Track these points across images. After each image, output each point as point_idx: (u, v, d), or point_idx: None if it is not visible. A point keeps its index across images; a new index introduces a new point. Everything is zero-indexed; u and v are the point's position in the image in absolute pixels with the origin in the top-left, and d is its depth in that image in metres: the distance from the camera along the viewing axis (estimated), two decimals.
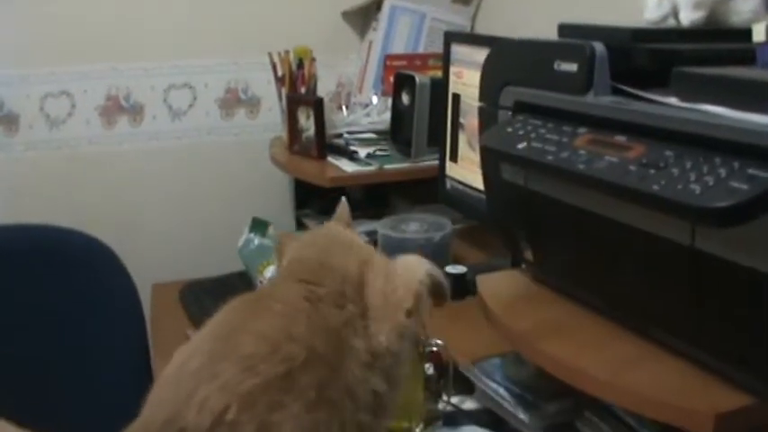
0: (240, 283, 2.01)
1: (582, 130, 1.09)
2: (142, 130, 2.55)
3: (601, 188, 0.99)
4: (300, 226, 2.41)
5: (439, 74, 2.09)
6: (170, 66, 2.55)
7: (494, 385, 1.41)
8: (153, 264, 2.38)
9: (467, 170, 1.96)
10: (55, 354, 1.86)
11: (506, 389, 1.38)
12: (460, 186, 1.99)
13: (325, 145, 2.23)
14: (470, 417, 1.58)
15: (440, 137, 2.07)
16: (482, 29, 2.46)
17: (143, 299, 1.98)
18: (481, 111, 1.34)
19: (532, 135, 1.15)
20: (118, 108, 2.53)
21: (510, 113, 1.24)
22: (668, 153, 0.93)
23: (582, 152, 1.03)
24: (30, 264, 1.89)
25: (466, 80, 1.95)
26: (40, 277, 1.89)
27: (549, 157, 1.07)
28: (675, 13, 1.29)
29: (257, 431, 0.93)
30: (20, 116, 2.43)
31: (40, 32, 2.39)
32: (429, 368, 1.62)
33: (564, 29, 1.27)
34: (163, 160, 2.56)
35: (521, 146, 1.13)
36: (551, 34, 1.27)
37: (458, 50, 1.99)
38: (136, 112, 2.55)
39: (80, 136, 2.49)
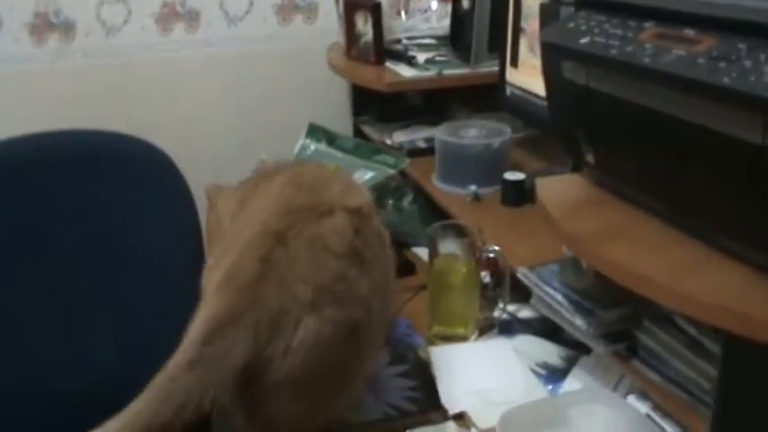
0: None
1: (648, 24, 1.04)
2: (198, 37, 2.52)
3: (667, 82, 0.94)
4: (358, 132, 2.38)
5: None
6: None
7: (551, 291, 1.37)
8: (208, 171, 2.37)
9: (528, 76, 1.90)
10: (107, 258, 1.86)
11: (564, 295, 1.35)
12: (521, 93, 1.94)
13: (383, 50, 2.18)
14: (526, 325, 1.56)
15: (500, 42, 2.01)
16: None
17: (198, 207, 1.97)
18: (543, 8, 1.29)
19: (596, 30, 1.10)
20: (174, 15, 2.50)
21: (573, 9, 1.19)
22: (741, 45, 0.88)
23: (648, 46, 0.98)
24: (86, 168, 1.88)
25: None
26: (96, 182, 1.88)
27: (613, 52, 1.02)
28: None
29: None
30: (76, 24, 2.42)
31: None
32: (485, 276, 1.60)
33: None
34: (219, 67, 2.54)
35: (583, 41, 1.08)
36: None
37: None
38: (192, 18, 2.51)
39: (136, 43, 2.47)
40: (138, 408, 1.08)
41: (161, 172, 1.90)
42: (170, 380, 1.07)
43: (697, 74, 0.88)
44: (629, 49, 1.00)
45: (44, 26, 2.34)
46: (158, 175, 1.89)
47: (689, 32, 0.97)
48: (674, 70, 0.91)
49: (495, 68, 2.05)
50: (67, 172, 1.88)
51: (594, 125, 1.21)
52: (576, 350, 1.47)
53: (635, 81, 1.03)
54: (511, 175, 1.82)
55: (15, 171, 1.85)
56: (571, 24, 1.14)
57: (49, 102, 2.29)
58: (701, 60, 0.90)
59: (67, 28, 2.40)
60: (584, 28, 1.11)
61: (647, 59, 0.96)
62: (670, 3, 1.02)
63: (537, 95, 1.84)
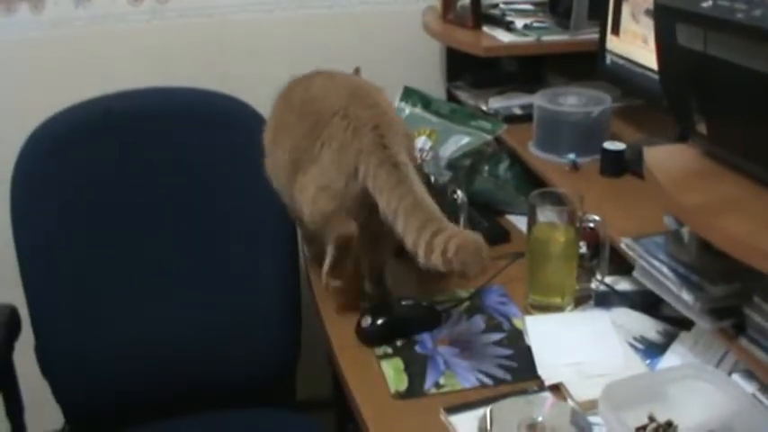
0: None
1: None
2: None
3: None
4: (451, 98, 2.35)
5: None
6: None
7: (657, 264, 1.34)
8: None
9: (629, 44, 1.85)
10: (196, 214, 1.88)
11: (670, 268, 1.31)
12: (621, 61, 1.89)
13: (480, 14, 2.15)
14: (623, 298, 1.53)
15: (601, 8, 1.96)
16: None
17: None
18: None
19: None
20: None
21: None
22: None
23: None
24: (178, 125, 1.91)
25: None
26: (189, 139, 1.90)
27: (739, 15, 0.98)
28: None
29: None
30: None
31: None
32: (582, 246, 1.57)
33: None
34: (313, 28, 2.52)
35: (705, 4, 1.04)
36: None
37: None
38: None
39: (231, 3, 2.46)
40: None
41: (252, 130, 1.90)
42: None
43: None
44: (757, 13, 0.96)
45: None
46: (250, 133, 1.89)
47: None
48: None
49: (595, 36, 2.00)
50: (161, 129, 1.90)
51: (710, 94, 1.17)
52: (675, 325, 1.43)
53: (761, 47, 0.99)
54: (610, 145, 1.78)
55: (111, 127, 1.87)
56: None
57: (145, 60, 2.30)
58: None
59: None
60: None
61: None
62: None
63: (638, 64, 1.79)
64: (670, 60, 1.25)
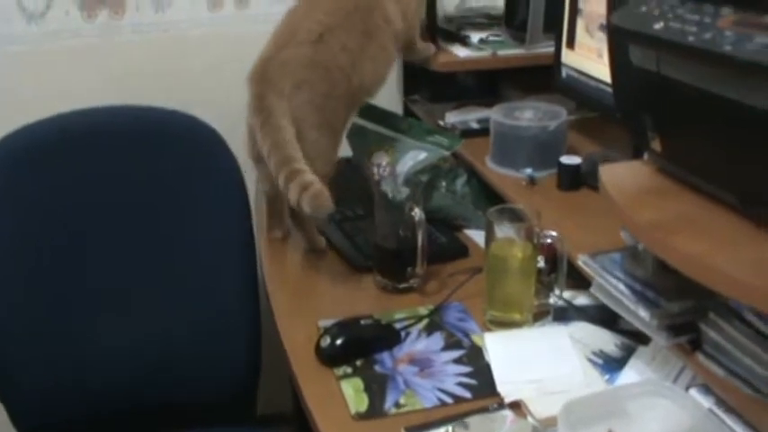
0: (347, 167, 1.98)
1: (726, 10, 1.01)
2: (248, 12, 2.49)
3: (751, 71, 0.91)
4: (408, 112, 2.35)
5: None
6: None
7: (613, 281, 1.34)
8: None
9: (584, 58, 1.87)
10: (155, 233, 1.87)
11: (627, 285, 1.32)
12: (576, 74, 1.90)
13: (436, 29, 2.15)
14: (582, 312, 1.54)
15: (556, 22, 1.98)
16: None
17: (246, 181, 1.96)
18: None
19: (669, 15, 1.06)
20: None
21: None
22: None
23: (728, 33, 0.95)
24: (135, 144, 1.90)
25: None
26: (145, 158, 1.89)
27: (691, 38, 0.99)
28: None
29: None
30: None
31: None
32: (540, 260, 1.58)
33: None
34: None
35: (657, 26, 1.05)
36: None
37: None
38: None
39: (186, 18, 2.45)
40: None
41: (210, 148, 1.90)
42: None
43: None
44: (707, 36, 0.97)
45: (94, 1, 2.32)
46: (207, 151, 1.90)
47: None
48: (759, 59, 0.88)
49: (551, 49, 2.01)
50: (117, 148, 1.88)
51: (663, 112, 1.18)
52: (633, 339, 1.44)
53: (713, 69, 1.00)
54: (567, 159, 1.79)
55: (66, 147, 1.86)
56: (643, 8, 1.11)
57: (99, 77, 2.28)
58: None
59: (117, 3, 2.38)
60: (656, 13, 1.08)
61: (728, 47, 0.92)
62: None
63: (593, 78, 1.81)
64: (624, 78, 1.27)
